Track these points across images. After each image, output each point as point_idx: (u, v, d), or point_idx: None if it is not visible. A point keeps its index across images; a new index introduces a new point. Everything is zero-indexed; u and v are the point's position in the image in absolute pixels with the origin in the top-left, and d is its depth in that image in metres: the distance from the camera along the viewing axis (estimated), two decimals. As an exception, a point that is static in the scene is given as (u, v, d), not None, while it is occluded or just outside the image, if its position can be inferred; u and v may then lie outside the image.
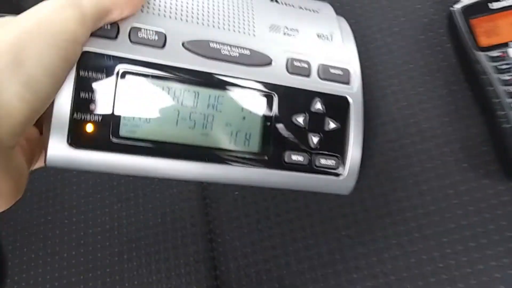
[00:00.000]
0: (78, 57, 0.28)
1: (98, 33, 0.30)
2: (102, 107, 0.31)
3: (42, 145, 0.31)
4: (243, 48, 0.35)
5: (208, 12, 0.35)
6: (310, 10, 0.40)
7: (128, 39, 0.31)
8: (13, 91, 0.24)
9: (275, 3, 0.39)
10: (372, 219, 0.45)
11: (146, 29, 0.32)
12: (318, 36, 0.38)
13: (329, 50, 0.38)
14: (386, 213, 0.44)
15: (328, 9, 0.42)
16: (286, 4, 0.39)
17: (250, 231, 0.48)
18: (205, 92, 0.33)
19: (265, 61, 0.35)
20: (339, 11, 0.42)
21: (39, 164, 0.33)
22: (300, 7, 0.40)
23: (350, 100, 0.37)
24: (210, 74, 0.33)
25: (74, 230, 0.51)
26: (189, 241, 0.50)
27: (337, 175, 0.37)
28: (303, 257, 0.46)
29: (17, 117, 0.24)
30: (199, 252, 0.49)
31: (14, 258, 0.51)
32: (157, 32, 0.32)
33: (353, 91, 0.37)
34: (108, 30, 0.31)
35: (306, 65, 0.36)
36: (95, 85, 0.30)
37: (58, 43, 0.26)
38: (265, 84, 0.35)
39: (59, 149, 0.30)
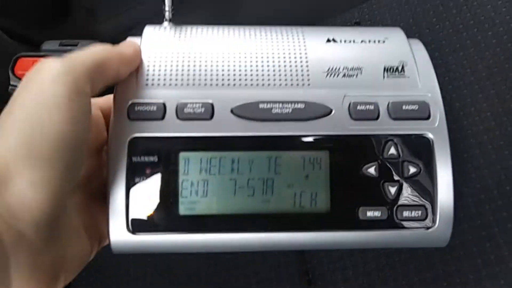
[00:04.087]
0: (88, 109, 0.27)
1: (145, 116, 0.31)
2: (157, 189, 0.31)
3: None
4: (296, 102, 0.32)
5: (257, 71, 0.33)
6: (375, 42, 0.36)
7: (175, 117, 0.31)
8: (24, 179, 0.23)
9: (332, 43, 0.35)
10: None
11: (193, 103, 0.32)
12: (386, 69, 0.34)
13: (400, 83, 0.34)
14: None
15: (399, 35, 0.37)
16: (345, 41, 0.36)
17: (357, 273, 0.43)
18: (260, 156, 0.31)
19: (323, 112, 0.32)
20: (416, 35, 0.37)
21: None
22: (363, 41, 0.36)
23: (431, 136, 0.32)
24: (263, 137, 0.31)
25: (154, 273, 0.48)
26: (284, 282, 0.46)
27: (426, 227, 0.32)
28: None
29: (36, 206, 0.23)
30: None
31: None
32: (204, 104, 0.32)
33: (434, 126, 0.32)
34: (154, 112, 0.31)
35: (372, 107, 0.32)
36: (148, 168, 0.31)
37: (57, 101, 0.25)
38: (325, 137, 0.32)
39: (121, 237, 0.30)
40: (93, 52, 0.29)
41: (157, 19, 0.37)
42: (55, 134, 0.24)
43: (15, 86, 0.36)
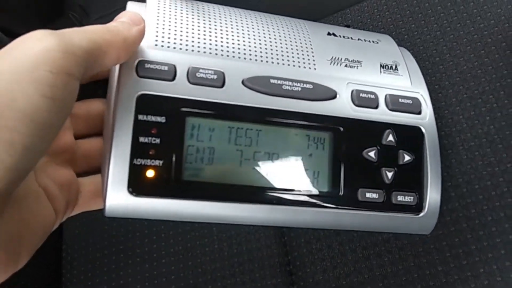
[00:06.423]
0: (73, 93, 0.23)
1: (155, 75, 0.30)
2: (163, 151, 0.29)
3: (78, 190, 0.30)
4: (306, 82, 0.33)
5: (266, 48, 0.34)
6: (370, 42, 0.38)
7: (186, 80, 0.30)
8: None
9: (332, 36, 0.37)
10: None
11: (205, 69, 0.31)
12: (382, 66, 0.36)
13: (395, 80, 0.36)
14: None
15: (389, 40, 0.40)
16: (344, 37, 0.37)
17: (334, 265, 0.44)
18: (268, 130, 0.31)
19: (330, 95, 0.33)
20: (395, 40, 0.40)
21: (79, 210, 0.31)
22: (359, 39, 0.38)
23: (423, 130, 0.34)
24: (273, 110, 0.31)
25: (146, 260, 0.47)
26: (267, 273, 0.45)
27: (416, 212, 0.33)
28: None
29: None
30: (278, 286, 0.45)
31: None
32: (216, 71, 0.31)
33: (425, 121, 0.35)
34: (165, 71, 0.30)
35: (373, 96, 0.34)
36: (154, 128, 0.29)
37: (38, 77, 0.21)
38: (332, 118, 0.32)
39: (119, 198, 0.28)
40: (93, 33, 0.25)
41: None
42: (25, 108, 0.21)
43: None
